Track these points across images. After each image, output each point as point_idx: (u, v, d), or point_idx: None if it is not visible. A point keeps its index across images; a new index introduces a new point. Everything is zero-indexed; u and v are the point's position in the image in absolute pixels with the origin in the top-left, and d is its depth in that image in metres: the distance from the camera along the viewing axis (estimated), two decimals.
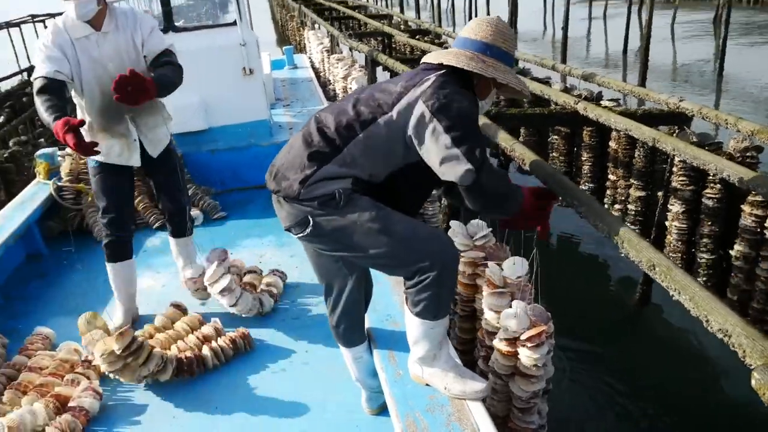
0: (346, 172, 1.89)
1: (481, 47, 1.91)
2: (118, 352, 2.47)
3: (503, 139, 2.93)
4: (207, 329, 2.86)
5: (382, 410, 2.36)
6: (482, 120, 3.32)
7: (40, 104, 2.61)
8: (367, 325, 2.41)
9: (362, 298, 2.22)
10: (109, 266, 3.10)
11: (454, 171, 1.83)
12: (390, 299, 2.73)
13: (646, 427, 3.56)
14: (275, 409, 2.46)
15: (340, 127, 1.90)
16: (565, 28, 12.08)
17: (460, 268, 2.65)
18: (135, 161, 3.01)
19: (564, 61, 10.24)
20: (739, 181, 2.61)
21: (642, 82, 8.78)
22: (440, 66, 1.92)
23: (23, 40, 22.52)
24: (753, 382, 1.35)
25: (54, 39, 2.78)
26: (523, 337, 2.11)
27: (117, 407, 2.56)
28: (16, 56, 21.32)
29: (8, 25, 21.80)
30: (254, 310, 3.05)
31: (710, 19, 17.08)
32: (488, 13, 20.05)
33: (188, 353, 2.66)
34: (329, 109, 2.04)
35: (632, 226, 3.27)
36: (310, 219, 1.90)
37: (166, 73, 2.89)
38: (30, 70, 14.53)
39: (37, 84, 2.67)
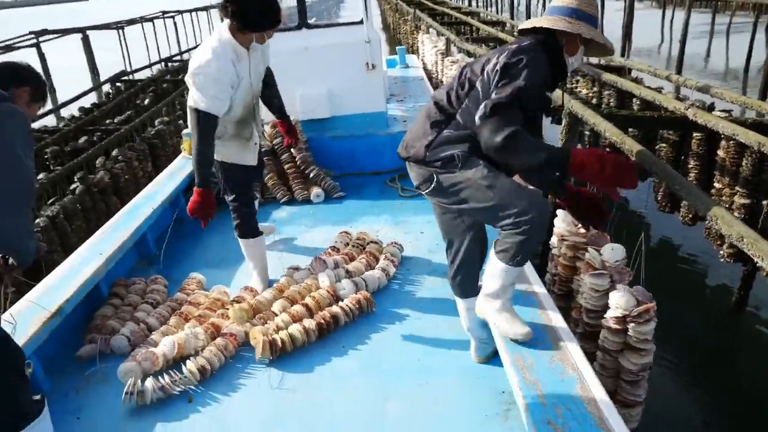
0: (461, 134, 2.28)
1: (567, 11, 2.26)
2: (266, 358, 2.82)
3: (613, 133, 3.18)
4: (323, 292, 3.20)
5: (489, 359, 2.68)
6: (595, 118, 3.55)
7: (203, 143, 2.87)
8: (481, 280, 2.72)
9: (477, 254, 2.58)
10: (241, 242, 3.51)
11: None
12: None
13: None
14: (394, 359, 2.82)
15: (451, 97, 2.33)
16: (683, 41, 11.80)
17: (563, 250, 2.96)
18: (254, 161, 3.43)
19: (679, 73, 10.04)
20: None
21: (762, 97, 8.51)
22: (534, 32, 2.28)
23: (155, 33, 24.63)
24: None
25: (224, 71, 2.87)
26: (633, 313, 2.39)
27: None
28: (147, 48, 23.33)
29: (143, 20, 23.95)
30: (379, 282, 3.38)
31: None
32: (602, 27, 19.68)
33: (326, 314, 3.00)
34: (443, 87, 2.46)
35: None
36: (435, 176, 2.32)
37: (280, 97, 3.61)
38: (167, 60, 15.94)
39: (204, 119, 2.86)
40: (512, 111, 2.13)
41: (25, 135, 2.00)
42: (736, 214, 3.93)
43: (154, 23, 24.91)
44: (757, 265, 1.96)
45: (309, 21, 5.55)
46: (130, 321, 3.11)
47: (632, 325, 2.42)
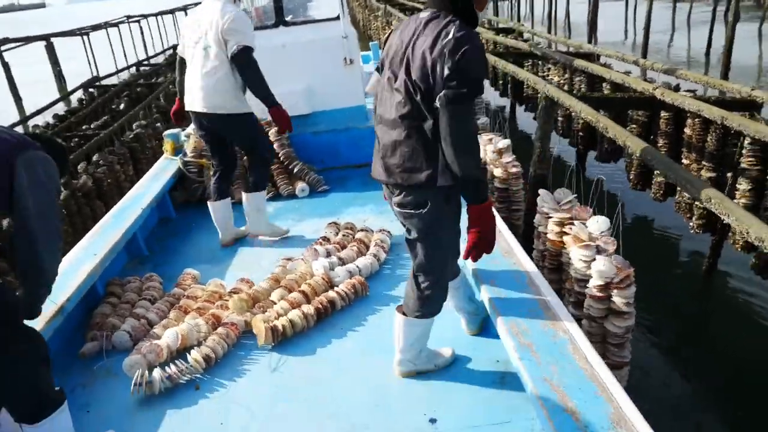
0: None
1: None
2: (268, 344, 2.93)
3: (588, 113, 3.34)
4: (318, 279, 3.31)
5: (480, 332, 2.83)
6: (570, 100, 3.72)
7: (259, 74, 3.66)
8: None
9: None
10: (256, 195, 4.04)
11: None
12: None
13: (713, 387, 3.87)
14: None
15: (414, 111, 2.24)
16: (647, 28, 12.15)
17: (549, 227, 3.13)
18: None
19: (644, 58, 10.33)
20: None
21: (724, 78, 8.83)
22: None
23: (120, 38, 24.34)
24: None
25: None
26: (615, 280, 2.58)
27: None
28: (113, 54, 23.03)
29: (107, 25, 23.64)
30: (372, 268, 3.50)
31: None
32: (567, 17, 20.06)
33: (323, 299, 3.12)
34: (399, 101, 2.33)
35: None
36: (428, 202, 2.27)
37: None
38: (138, 65, 15.79)
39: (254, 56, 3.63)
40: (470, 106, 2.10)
41: (57, 180, 2.20)
42: None
43: (119, 28, 24.58)
44: (724, 221, 2.13)
45: (286, 18, 5.63)
46: (130, 317, 3.18)
47: (615, 291, 2.60)
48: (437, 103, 2.06)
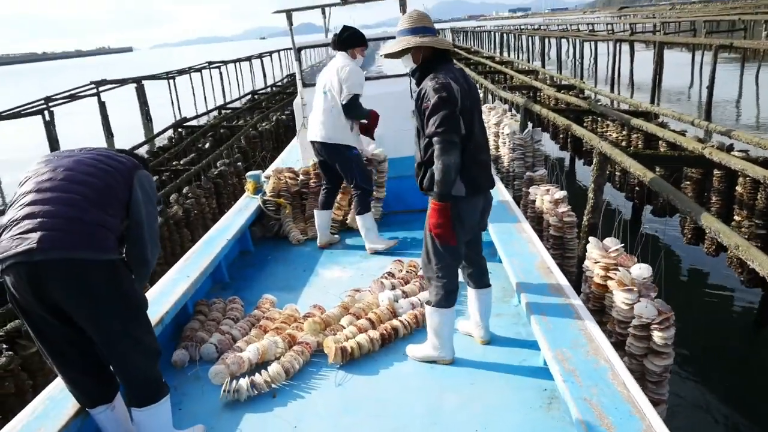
0: None
1: (423, 30, 2.96)
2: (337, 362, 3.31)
3: (637, 168, 3.65)
4: (383, 308, 3.69)
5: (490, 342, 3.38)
6: (621, 156, 4.02)
7: (359, 107, 4.62)
8: (519, 290, 3.45)
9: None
10: (362, 217, 4.89)
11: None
12: (541, 282, 3.54)
13: None
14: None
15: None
16: (711, 87, 12.19)
17: (596, 271, 3.42)
18: None
19: (708, 119, 10.42)
20: None
21: None
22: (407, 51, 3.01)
23: (202, 82, 26.00)
24: None
25: None
26: (655, 321, 2.85)
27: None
28: (194, 96, 24.60)
29: (191, 70, 25.34)
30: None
31: None
32: (631, 75, 20.17)
33: (387, 326, 3.50)
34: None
35: None
36: None
37: None
38: (221, 108, 16.89)
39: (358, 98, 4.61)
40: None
41: (156, 194, 2.77)
42: (753, 243, 4.31)
43: (201, 74, 26.26)
44: (749, 265, 2.39)
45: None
46: (216, 332, 3.62)
47: (654, 330, 2.87)
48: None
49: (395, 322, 3.53)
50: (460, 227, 2.97)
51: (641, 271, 3.15)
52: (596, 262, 3.44)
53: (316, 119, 4.79)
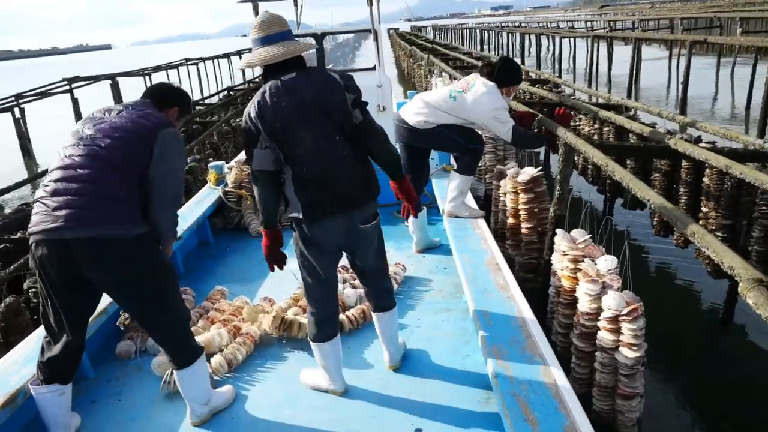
0: None
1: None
2: (273, 332, 3.32)
3: (599, 158, 3.58)
4: None
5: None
6: (585, 146, 3.95)
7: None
8: (466, 287, 3.36)
9: None
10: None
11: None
12: (488, 278, 3.47)
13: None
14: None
15: None
16: (686, 83, 12.26)
17: (566, 263, 3.35)
18: None
19: (683, 113, 10.42)
20: None
21: (761, 135, 8.83)
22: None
23: (179, 79, 25.69)
24: (750, 302, 1.92)
25: None
26: (623, 312, 2.78)
27: (272, 341, 3.40)
28: None
29: (168, 66, 25.02)
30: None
31: None
32: (609, 67, 20.25)
33: None
34: None
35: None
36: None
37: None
38: (195, 104, 16.70)
39: None
40: None
41: (183, 151, 2.76)
42: (719, 233, 4.24)
43: (178, 70, 25.93)
44: (705, 252, 2.31)
45: (327, 67, 6.04)
46: None
47: (624, 323, 2.79)
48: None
49: (342, 317, 3.42)
50: (311, 252, 2.66)
51: (606, 262, 3.09)
52: (564, 254, 3.36)
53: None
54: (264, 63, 2.51)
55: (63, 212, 2.28)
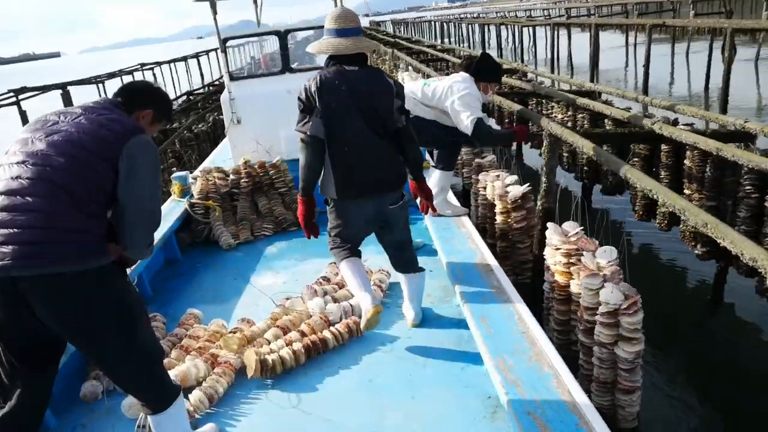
0: None
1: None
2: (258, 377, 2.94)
3: (590, 148, 3.42)
4: (315, 318, 3.33)
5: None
6: (573, 137, 3.80)
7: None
8: (458, 291, 3.18)
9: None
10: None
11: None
12: (481, 281, 3.28)
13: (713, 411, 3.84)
14: (386, 376, 2.95)
15: None
16: (647, 66, 12.30)
17: (558, 258, 3.18)
18: None
19: (645, 95, 10.42)
20: None
21: (723, 112, 8.88)
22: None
23: None
24: None
25: None
26: (623, 306, 2.63)
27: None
28: None
29: (122, 72, 24.23)
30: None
31: None
32: (570, 57, 20.35)
33: (313, 338, 3.14)
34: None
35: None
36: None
37: None
38: None
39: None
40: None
41: (157, 163, 2.34)
42: None
43: (134, 76, 25.13)
44: (720, 244, 2.16)
45: (292, 65, 5.77)
46: None
47: (623, 317, 2.64)
48: None
49: (326, 333, 3.18)
50: (341, 223, 3.08)
51: (606, 254, 2.96)
52: (557, 249, 3.20)
53: None
54: (337, 53, 2.84)
55: (9, 248, 1.96)
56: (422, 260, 4.12)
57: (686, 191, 4.40)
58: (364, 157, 2.87)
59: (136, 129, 2.23)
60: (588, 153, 3.52)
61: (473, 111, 3.89)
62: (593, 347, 2.88)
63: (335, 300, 3.57)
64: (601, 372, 2.83)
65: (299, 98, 2.88)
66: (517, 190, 4.23)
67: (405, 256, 3.27)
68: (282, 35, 5.98)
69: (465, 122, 3.88)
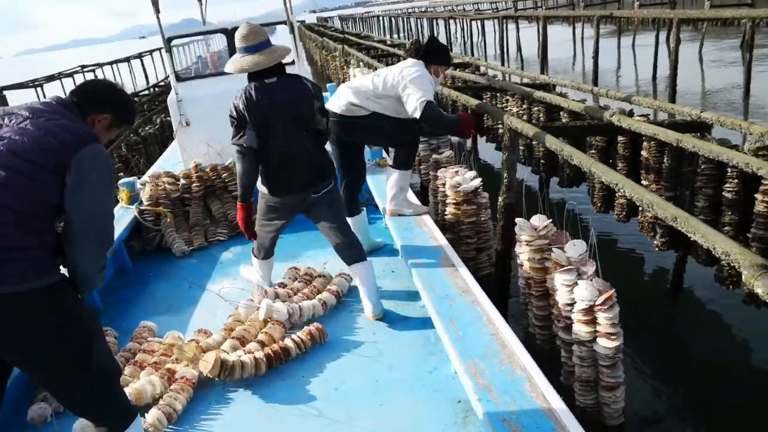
0: None
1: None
2: (216, 377, 2.84)
3: (552, 142, 3.39)
4: (273, 326, 3.20)
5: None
6: (533, 130, 3.76)
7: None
8: (423, 291, 3.14)
9: None
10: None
11: None
12: (447, 281, 3.19)
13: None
14: (353, 383, 2.85)
15: None
16: (596, 57, 12.53)
17: (531, 255, 3.14)
18: None
19: (596, 86, 10.59)
20: (751, 168, 2.99)
21: (671, 102, 9.11)
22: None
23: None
24: (759, 291, 1.72)
25: None
26: (598, 302, 2.60)
27: (212, 382, 2.96)
28: None
29: (61, 75, 23.29)
30: (315, 310, 3.43)
31: (738, 45, 17.04)
32: (519, 50, 20.59)
33: (275, 347, 3.00)
34: None
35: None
36: None
37: None
38: None
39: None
40: None
41: (110, 174, 2.14)
42: None
43: (74, 78, 24.21)
44: (691, 238, 2.14)
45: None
46: None
47: (599, 313, 2.60)
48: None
49: (287, 342, 3.05)
50: (270, 215, 3.43)
51: (576, 248, 2.91)
52: (528, 244, 3.15)
53: None
54: (257, 68, 3.11)
55: None
56: (384, 261, 4.08)
57: (644, 182, 4.43)
58: (292, 158, 3.21)
59: (88, 137, 2.02)
60: (551, 148, 3.49)
61: (425, 93, 3.81)
62: (572, 346, 2.85)
63: (307, 298, 3.51)
64: (582, 371, 2.80)
65: (230, 116, 3.16)
66: (468, 185, 4.18)
67: (348, 240, 3.42)
68: (229, 33, 5.78)
69: (414, 104, 3.79)
